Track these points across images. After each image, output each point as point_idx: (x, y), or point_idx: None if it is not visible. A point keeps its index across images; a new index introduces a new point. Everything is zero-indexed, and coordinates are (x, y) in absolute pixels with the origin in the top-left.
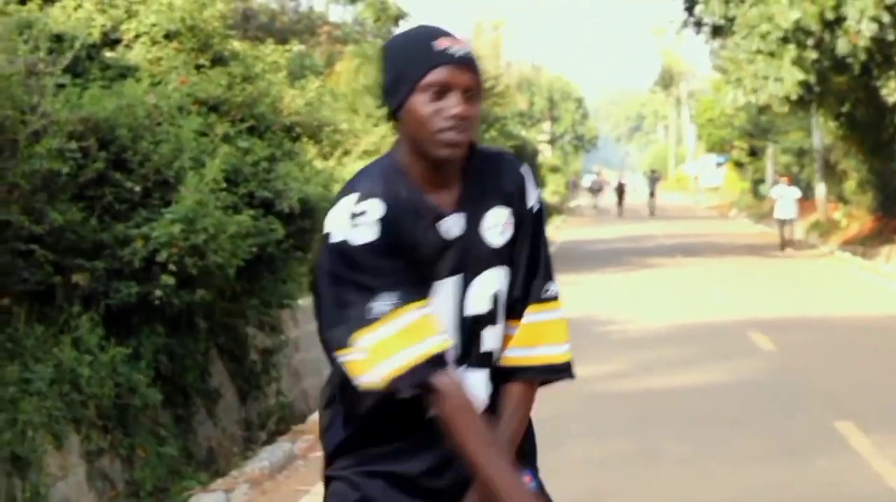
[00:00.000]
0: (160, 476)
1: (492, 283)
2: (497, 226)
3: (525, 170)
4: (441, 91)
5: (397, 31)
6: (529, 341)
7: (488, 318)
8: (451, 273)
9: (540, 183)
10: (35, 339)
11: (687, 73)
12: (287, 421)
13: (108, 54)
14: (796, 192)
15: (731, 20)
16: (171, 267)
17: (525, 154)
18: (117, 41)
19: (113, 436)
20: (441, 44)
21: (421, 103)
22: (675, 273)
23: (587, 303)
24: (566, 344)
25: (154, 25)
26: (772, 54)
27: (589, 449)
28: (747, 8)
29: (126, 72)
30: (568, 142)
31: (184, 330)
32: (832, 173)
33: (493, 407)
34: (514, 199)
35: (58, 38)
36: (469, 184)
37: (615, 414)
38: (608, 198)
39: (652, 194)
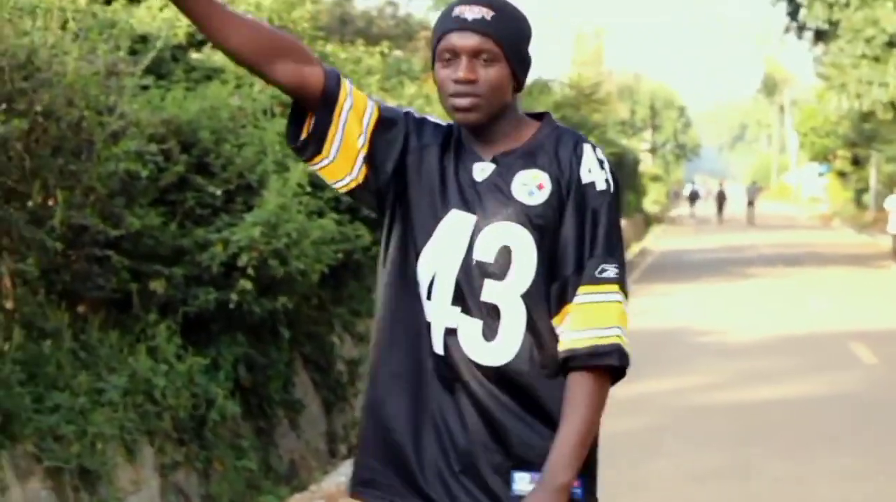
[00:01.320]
0: (237, 490)
1: (504, 236)
2: (527, 184)
3: (585, 149)
4: (451, 57)
5: None
6: (580, 324)
7: (494, 270)
8: (469, 210)
9: (641, 192)
10: (109, 348)
11: (790, 81)
12: None
13: (193, 55)
14: None
15: (835, 24)
16: (250, 271)
17: (626, 163)
18: (203, 42)
19: (189, 449)
20: (457, 10)
21: (437, 70)
22: (775, 283)
23: (685, 314)
24: (615, 327)
25: None
26: (877, 59)
27: (682, 463)
28: (852, 12)
29: (212, 73)
30: (670, 152)
31: (266, 338)
32: None
33: (492, 374)
34: (557, 168)
35: (142, 39)
36: (523, 146)
37: (710, 427)
38: (707, 207)
39: (751, 203)
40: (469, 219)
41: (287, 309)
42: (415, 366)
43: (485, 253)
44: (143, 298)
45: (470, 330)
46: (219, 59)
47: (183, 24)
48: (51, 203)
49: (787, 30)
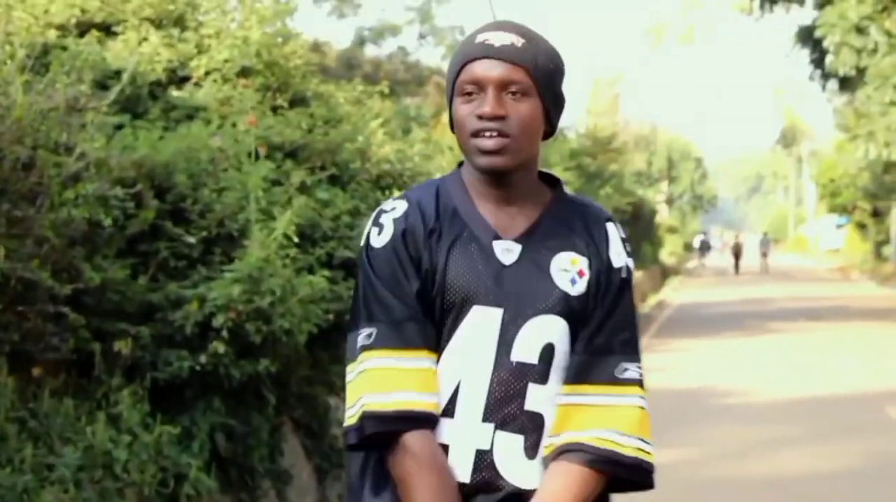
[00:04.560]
0: None
1: (546, 332)
2: (568, 271)
3: (611, 229)
4: (475, 90)
5: None
6: (589, 424)
7: (537, 373)
8: (494, 304)
9: (657, 243)
10: (64, 417)
11: (808, 133)
12: None
13: (174, 93)
14: None
15: (863, 71)
16: (224, 334)
17: (642, 213)
18: (185, 79)
19: None
20: (481, 36)
21: (459, 104)
22: (798, 338)
23: (705, 372)
24: (642, 440)
25: (227, 62)
26: None
27: None
28: (880, 58)
29: (193, 112)
30: (686, 203)
31: (249, 403)
32: None
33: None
34: (592, 252)
35: (116, 74)
36: (543, 219)
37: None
38: (722, 258)
39: (764, 254)
40: (494, 315)
41: (270, 371)
42: None
43: (527, 352)
44: (107, 361)
45: (509, 448)
46: (201, 96)
47: (162, 59)
48: None
49: (812, 78)
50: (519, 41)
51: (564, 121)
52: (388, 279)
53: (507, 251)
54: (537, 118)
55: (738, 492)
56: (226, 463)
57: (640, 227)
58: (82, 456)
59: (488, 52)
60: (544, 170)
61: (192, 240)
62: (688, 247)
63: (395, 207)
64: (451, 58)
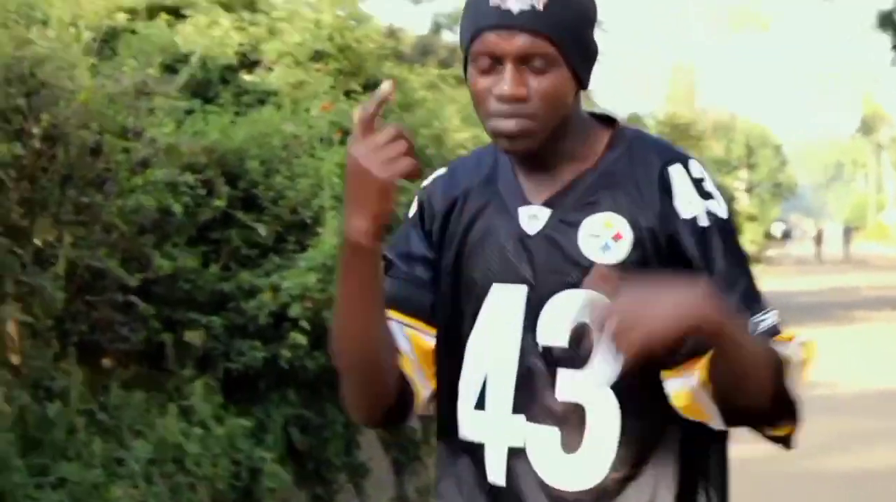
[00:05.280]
0: None
1: (573, 310)
2: (599, 236)
3: (673, 172)
4: (492, 62)
5: None
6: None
7: (569, 357)
8: (517, 280)
9: (737, 231)
10: (135, 409)
11: (888, 120)
12: None
13: (245, 77)
14: None
15: None
16: (304, 323)
17: None
18: (257, 63)
19: None
20: None
21: (474, 76)
22: (883, 328)
23: None
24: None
25: (299, 45)
26: None
27: None
28: None
29: (264, 97)
30: (765, 191)
31: (324, 395)
32: None
33: None
34: (639, 207)
35: (186, 58)
36: (585, 175)
37: (821, 497)
38: (802, 247)
39: (847, 242)
40: (517, 293)
41: None
42: None
43: (552, 334)
44: (179, 351)
45: (544, 444)
46: (273, 81)
47: (233, 43)
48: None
49: (893, 63)
50: (539, 1)
51: (642, 108)
52: (395, 240)
53: (532, 218)
54: (564, 88)
55: (821, 487)
56: (301, 457)
57: None
58: (153, 450)
59: (504, 20)
60: (600, 111)
61: (266, 228)
62: (768, 236)
63: (434, 174)
64: (463, 15)
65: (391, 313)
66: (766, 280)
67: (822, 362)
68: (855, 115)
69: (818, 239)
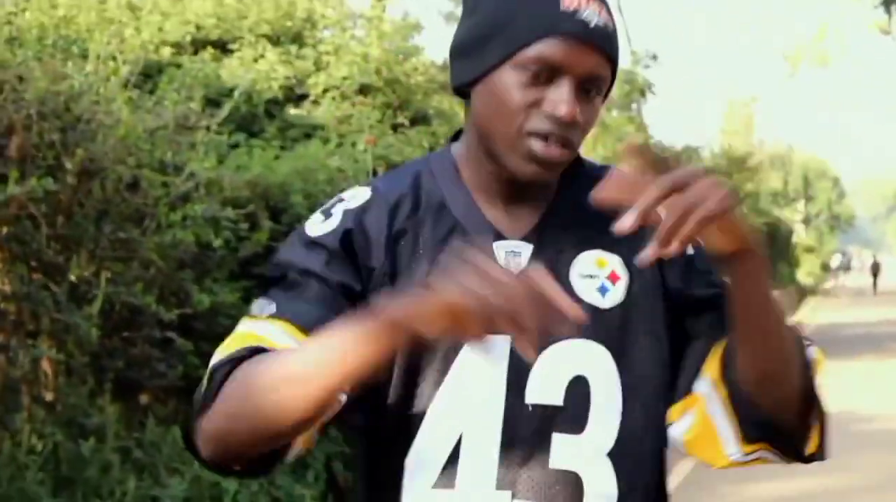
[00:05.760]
0: None
1: (570, 363)
2: (594, 276)
3: None
4: (548, 74)
5: (644, 104)
6: None
7: (565, 419)
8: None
9: (794, 263)
10: (171, 446)
11: None
12: None
13: (291, 111)
14: None
15: None
16: None
17: (779, 234)
18: (303, 97)
19: None
20: (569, 2)
21: (512, 84)
22: None
23: (847, 396)
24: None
25: (346, 79)
26: None
27: None
28: None
29: (310, 131)
30: (823, 222)
31: None
32: None
33: None
34: (628, 243)
35: (230, 92)
36: (558, 207)
37: None
38: (860, 279)
39: None
40: (499, 343)
41: None
42: None
43: (547, 391)
44: None
45: None
46: (319, 115)
47: (279, 77)
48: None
49: None
50: (609, 19)
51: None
52: (293, 257)
53: (512, 254)
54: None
55: None
56: (343, 494)
57: (777, 247)
58: (189, 488)
59: (581, 31)
60: None
61: None
62: (825, 267)
63: (354, 195)
64: (501, 5)
65: (289, 329)
66: (821, 312)
67: (880, 395)
68: None
69: (875, 269)
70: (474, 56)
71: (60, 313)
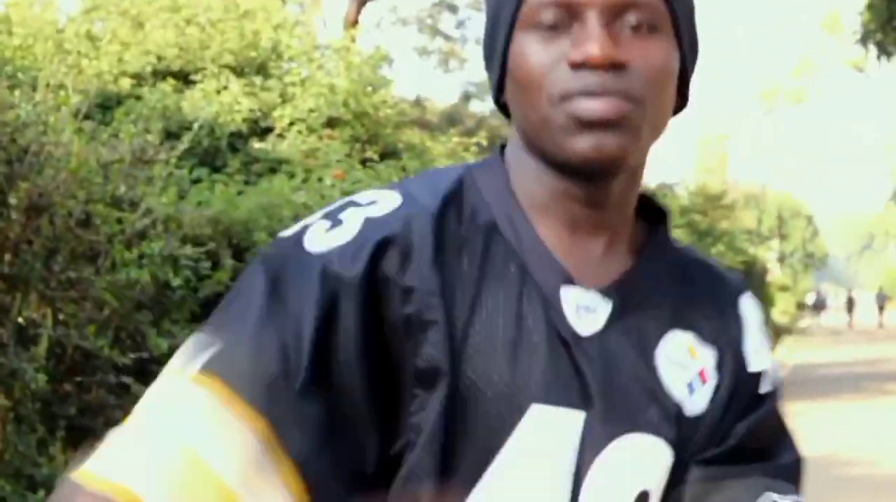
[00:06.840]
0: None
1: (643, 462)
2: (686, 367)
3: (750, 305)
4: (566, 18)
5: None
6: None
7: None
8: (558, 401)
9: (769, 302)
10: None
11: None
12: None
13: (255, 145)
14: None
15: None
16: None
17: (754, 272)
18: (268, 130)
19: None
20: None
21: (527, 47)
22: None
23: (826, 438)
24: None
25: (312, 111)
26: None
27: None
28: None
29: (275, 165)
30: (797, 261)
31: None
32: None
33: None
34: (725, 343)
35: (191, 125)
36: (646, 264)
37: None
38: (835, 316)
39: (881, 308)
40: (575, 419)
41: None
42: None
43: (608, 495)
44: None
45: None
46: (284, 148)
47: (243, 109)
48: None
49: None
50: None
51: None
52: (295, 306)
53: (586, 310)
54: (674, 72)
55: None
56: None
57: (752, 286)
58: None
59: None
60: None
61: None
62: (800, 306)
63: (375, 201)
64: None
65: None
66: (798, 351)
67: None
68: (886, 186)
69: (849, 305)
70: (492, 52)
71: (6, 357)
